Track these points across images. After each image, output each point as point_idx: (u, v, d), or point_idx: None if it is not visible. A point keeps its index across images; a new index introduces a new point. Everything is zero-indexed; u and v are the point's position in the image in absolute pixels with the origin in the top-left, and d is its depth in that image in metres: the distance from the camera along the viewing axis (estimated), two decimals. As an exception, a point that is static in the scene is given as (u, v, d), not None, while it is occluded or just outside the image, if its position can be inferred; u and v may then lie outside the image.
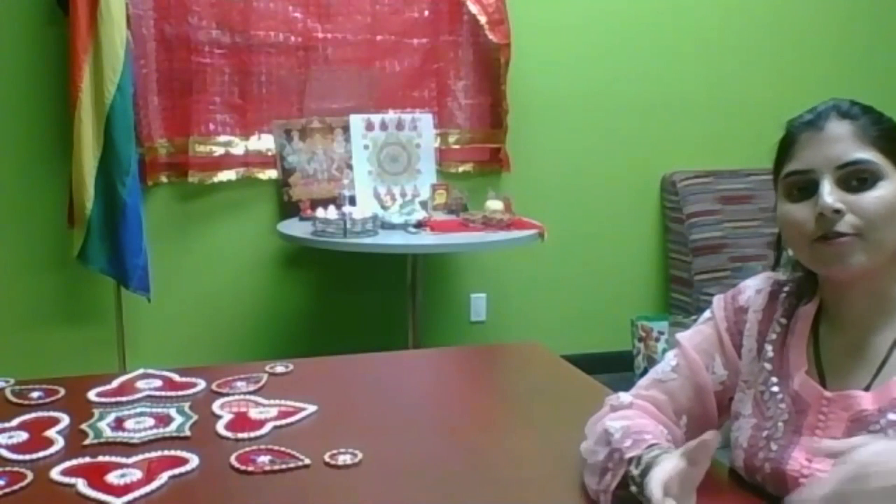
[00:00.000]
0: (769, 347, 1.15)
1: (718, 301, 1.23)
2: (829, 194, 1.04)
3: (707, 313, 1.24)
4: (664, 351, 3.66)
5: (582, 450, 1.17)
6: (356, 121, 3.44)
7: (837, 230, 1.03)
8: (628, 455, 1.04)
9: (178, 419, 1.38)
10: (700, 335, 1.22)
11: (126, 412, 1.41)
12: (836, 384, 1.08)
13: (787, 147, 1.11)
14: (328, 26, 3.52)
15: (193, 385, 1.54)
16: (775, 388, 1.12)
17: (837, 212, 1.03)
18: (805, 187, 1.07)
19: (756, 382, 1.15)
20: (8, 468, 1.20)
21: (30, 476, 1.17)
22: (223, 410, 1.42)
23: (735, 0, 4.05)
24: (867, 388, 1.04)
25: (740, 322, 1.19)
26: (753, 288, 1.21)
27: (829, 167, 1.05)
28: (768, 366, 1.14)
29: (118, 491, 1.13)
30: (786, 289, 1.18)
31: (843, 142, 1.05)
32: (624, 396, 1.21)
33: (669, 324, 3.75)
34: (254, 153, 3.51)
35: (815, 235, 1.05)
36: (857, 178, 1.04)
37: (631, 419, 1.14)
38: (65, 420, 1.37)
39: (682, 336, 1.24)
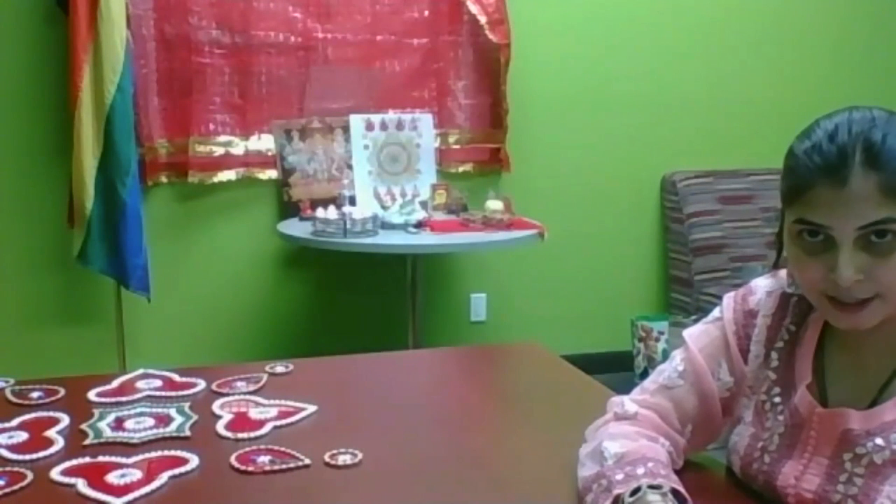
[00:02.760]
0: (775, 355, 1.11)
1: (728, 301, 1.18)
2: (848, 265, 0.94)
3: (716, 312, 1.19)
4: (664, 351, 3.66)
5: (579, 454, 1.16)
6: (356, 121, 3.44)
7: (855, 298, 0.96)
8: (616, 491, 1.01)
9: (178, 419, 1.38)
10: (707, 337, 1.18)
11: (126, 412, 1.40)
12: (836, 400, 1.04)
13: (801, 188, 0.97)
14: (328, 26, 3.52)
15: (193, 385, 1.54)
16: (777, 399, 1.09)
17: (857, 281, 0.95)
18: (818, 236, 0.97)
19: (759, 390, 1.12)
20: (8, 468, 1.20)
21: (30, 476, 1.17)
22: (223, 410, 1.42)
23: (735, 0, 4.05)
24: (868, 408, 1.01)
25: (749, 326, 1.14)
26: (764, 289, 1.15)
27: (850, 228, 0.94)
28: (772, 375, 1.11)
29: (118, 491, 1.13)
30: (798, 291, 1.12)
31: (867, 199, 0.93)
32: (629, 405, 1.18)
33: (669, 324, 3.75)
34: (254, 153, 3.51)
35: (828, 293, 0.98)
36: (877, 235, 0.94)
37: (630, 441, 1.10)
38: (65, 420, 1.37)
39: (689, 335, 1.19)
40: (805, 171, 0.97)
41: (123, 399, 1.47)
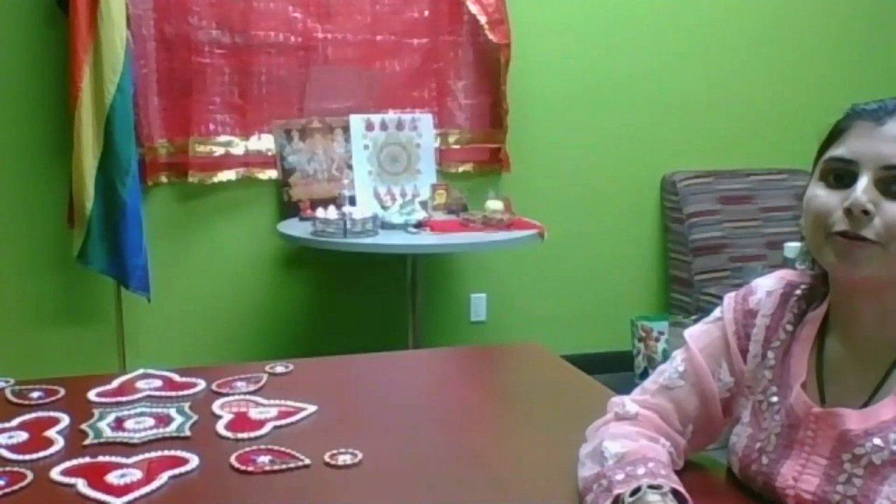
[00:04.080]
0: (772, 355, 1.11)
1: (728, 301, 1.18)
2: (864, 192, 0.98)
3: (717, 312, 1.19)
4: (664, 351, 3.66)
5: (579, 454, 1.16)
6: (356, 121, 3.44)
7: (859, 233, 0.98)
8: (616, 491, 1.01)
9: (178, 419, 1.38)
10: (708, 336, 1.18)
11: (126, 412, 1.40)
12: (834, 399, 1.04)
13: (840, 131, 1.05)
14: (328, 26, 3.52)
15: (193, 385, 1.54)
16: (774, 399, 1.09)
17: (866, 213, 0.97)
18: (842, 176, 1.02)
19: (757, 390, 1.12)
20: (8, 468, 1.20)
21: (30, 476, 1.17)
22: (223, 410, 1.42)
23: (735, 2, 4.05)
24: (864, 407, 1.01)
25: (749, 326, 1.15)
26: (765, 289, 1.16)
27: (875, 164, 0.99)
28: (769, 374, 1.11)
29: (118, 491, 1.13)
30: (797, 291, 1.13)
31: None
32: (630, 405, 1.18)
33: (669, 324, 3.75)
34: (254, 153, 3.51)
35: (836, 229, 1.00)
36: None
37: (630, 441, 1.10)
38: (65, 420, 1.37)
39: (689, 335, 1.20)
40: (850, 114, 1.05)
41: (123, 399, 1.47)
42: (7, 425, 1.35)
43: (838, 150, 1.03)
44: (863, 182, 0.99)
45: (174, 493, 1.15)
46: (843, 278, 1.04)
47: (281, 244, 3.53)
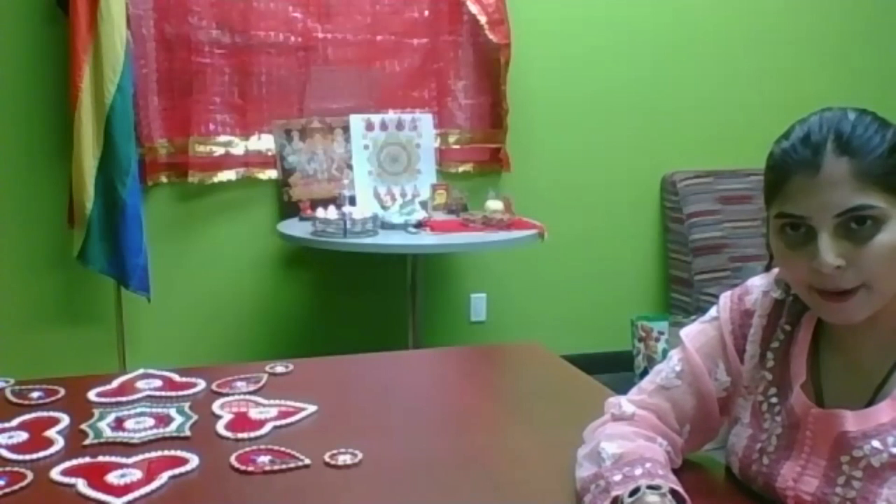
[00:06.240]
0: (771, 355, 1.11)
1: (725, 301, 1.18)
2: (828, 251, 0.95)
3: (713, 311, 1.19)
4: (664, 351, 3.66)
5: (577, 455, 1.16)
6: (356, 121, 3.44)
7: (840, 287, 0.96)
8: (614, 492, 1.01)
9: (178, 419, 1.38)
10: (704, 336, 1.18)
11: (126, 412, 1.41)
12: (832, 400, 1.04)
13: (778, 182, 1.00)
14: (328, 26, 3.52)
15: (193, 385, 1.54)
16: (774, 400, 1.09)
17: (838, 267, 0.96)
18: (799, 226, 0.99)
19: (756, 391, 1.12)
20: (8, 468, 1.20)
21: (30, 476, 1.18)
22: (223, 410, 1.42)
23: (735, 1, 4.05)
24: (862, 409, 1.00)
25: (745, 326, 1.14)
26: (761, 289, 1.15)
27: (827, 216, 0.95)
28: (769, 375, 1.11)
29: (118, 491, 1.13)
30: (793, 291, 1.12)
31: (841, 186, 0.95)
32: (626, 406, 1.18)
33: (669, 324, 3.75)
34: (254, 153, 3.51)
35: (816, 287, 0.98)
36: (856, 221, 0.95)
37: (627, 442, 1.10)
38: (65, 420, 1.37)
39: (686, 335, 1.19)
40: (782, 165, 1.00)
41: (123, 399, 1.47)
42: (7, 425, 1.35)
43: (785, 206, 0.99)
44: (823, 240, 0.96)
45: (174, 493, 1.15)
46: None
47: (281, 244, 3.53)
